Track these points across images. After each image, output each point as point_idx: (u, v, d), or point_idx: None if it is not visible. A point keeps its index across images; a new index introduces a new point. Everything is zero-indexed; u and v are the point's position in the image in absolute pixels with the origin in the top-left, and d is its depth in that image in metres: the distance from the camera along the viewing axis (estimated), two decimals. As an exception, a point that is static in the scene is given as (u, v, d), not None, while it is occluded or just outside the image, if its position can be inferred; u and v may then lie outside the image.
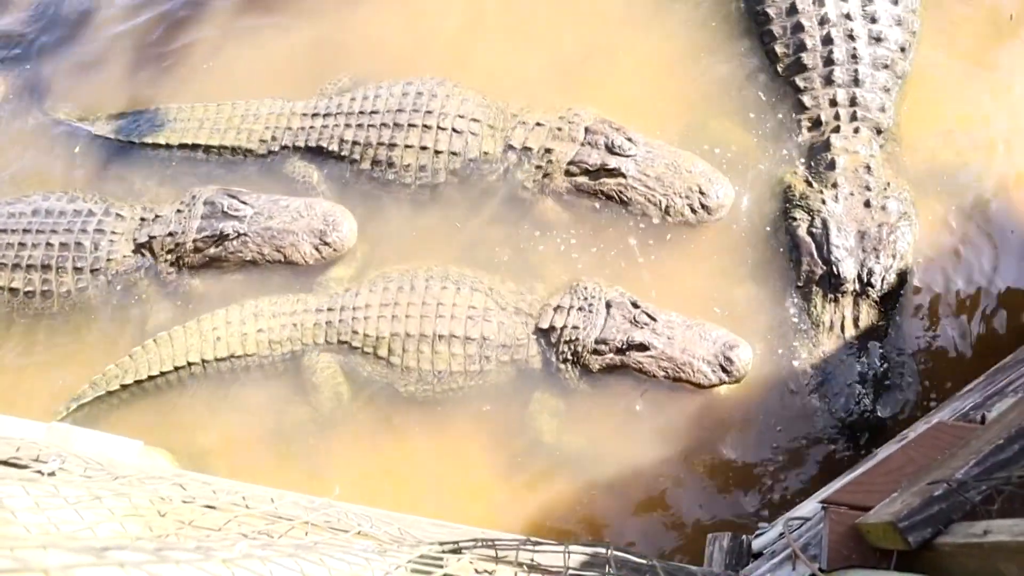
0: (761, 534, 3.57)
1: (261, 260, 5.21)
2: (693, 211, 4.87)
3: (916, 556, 2.29)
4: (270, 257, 5.19)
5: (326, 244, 5.14)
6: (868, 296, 4.50)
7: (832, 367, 4.44)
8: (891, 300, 4.54)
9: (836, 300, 4.53)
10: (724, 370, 4.45)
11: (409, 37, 5.83)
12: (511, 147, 5.16)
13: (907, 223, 4.60)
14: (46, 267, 5.28)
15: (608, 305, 4.64)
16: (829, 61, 4.99)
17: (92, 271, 5.30)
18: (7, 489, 2.57)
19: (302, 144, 5.46)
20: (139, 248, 5.34)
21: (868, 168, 4.71)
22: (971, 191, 4.82)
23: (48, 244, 5.30)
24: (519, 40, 5.67)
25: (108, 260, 5.30)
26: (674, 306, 4.72)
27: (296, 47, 5.97)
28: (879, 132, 4.89)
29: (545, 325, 4.68)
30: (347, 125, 5.34)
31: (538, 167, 5.11)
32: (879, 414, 4.33)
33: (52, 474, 3.03)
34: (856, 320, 4.50)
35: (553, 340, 4.65)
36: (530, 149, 5.14)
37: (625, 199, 4.98)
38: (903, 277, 4.54)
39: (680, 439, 4.52)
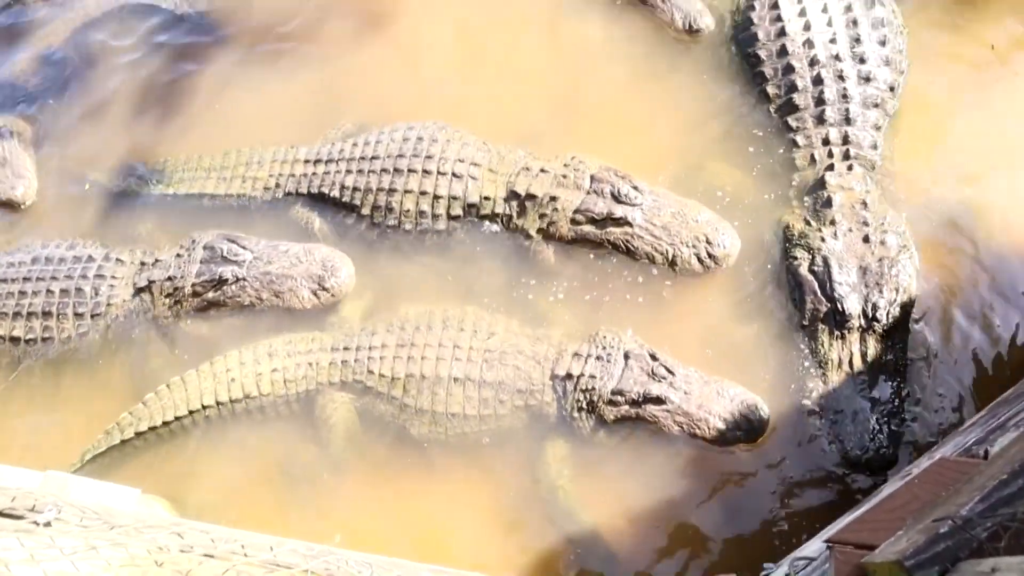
0: (768, 575, 3.52)
1: (259, 305, 5.21)
2: (700, 261, 4.84)
3: (924, 595, 2.26)
4: (268, 302, 5.19)
5: (324, 289, 5.14)
6: (874, 331, 4.49)
7: (844, 404, 4.40)
8: (897, 333, 4.52)
9: (843, 337, 4.52)
10: (740, 428, 4.37)
11: (410, 82, 5.92)
12: (515, 194, 5.12)
13: (907, 256, 4.62)
14: (47, 314, 5.29)
15: (627, 356, 4.58)
16: (820, 101, 5.06)
17: (93, 316, 5.30)
18: (2, 541, 2.54)
19: (304, 191, 5.49)
20: (139, 292, 5.35)
21: (864, 204, 4.75)
22: (966, 223, 4.86)
23: (48, 291, 5.32)
24: (519, 87, 5.75)
25: (109, 305, 5.31)
26: (682, 354, 4.69)
27: (298, 94, 6.05)
28: (872, 168, 4.95)
29: (562, 372, 4.60)
30: (348, 171, 5.36)
31: (542, 215, 5.07)
32: (894, 450, 4.27)
33: (48, 524, 2.99)
34: (864, 355, 4.47)
35: (569, 387, 4.59)
36: (535, 196, 5.08)
37: (631, 248, 4.93)
38: (907, 310, 4.53)
39: (686, 483, 4.46)
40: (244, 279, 5.17)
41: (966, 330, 4.63)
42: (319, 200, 5.47)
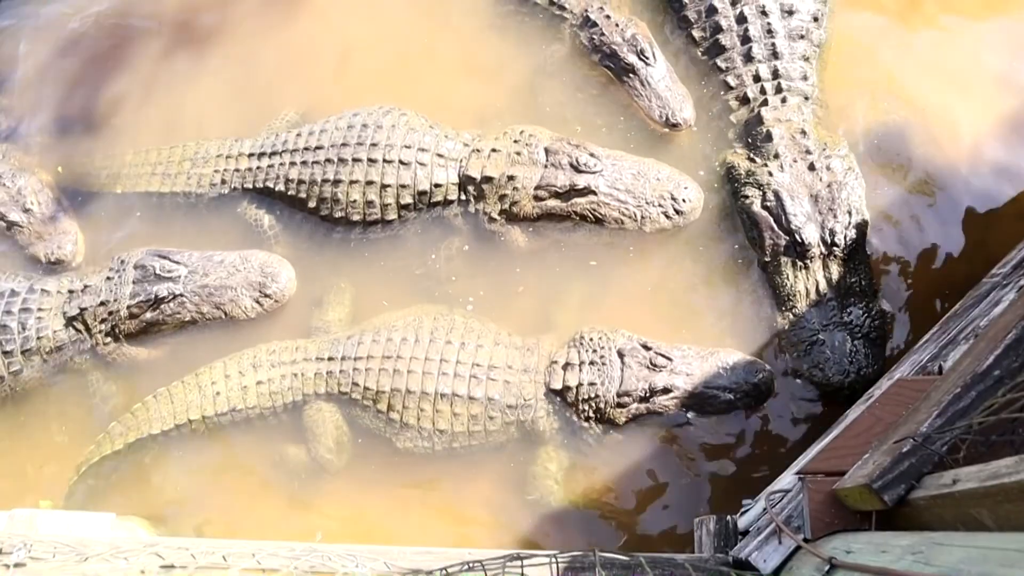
0: (746, 511, 3.60)
1: (201, 319, 5.06)
2: (668, 217, 4.79)
3: (895, 513, 2.33)
4: (210, 315, 5.05)
5: (267, 296, 5.03)
6: (835, 256, 4.55)
7: (819, 333, 4.45)
8: (857, 255, 4.59)
9: (806, 267, 4.56)
10: (750, 396, 4.37)
11: (344, 64, 5.74)
12: (470, 178, 4.96)
13: (853, 177, 4.67)
14: None
15: (620, 354, 4.48)
16: (746, 39, 5.07)
17: (23, 352, 5.08)
18: (-29, 588, 2.47)
19: (250, 185, 5.31)
20: (70, 322, 5.13)
21: (804, 132, 4.78)
22: (902, 147, 4.95)
23: None
24: (461, 69, 5.60)
25: (39, 339, 5.08)
26: (663, 315, 4.70)
27: (230, 85, 5.81)
28: (806, 99, 4.98)
29: (557, 385, 4.47)
30: (292, 163, 5.16)
31: (503, 196, 4.93)
32: (877, 368, 4.34)
33: (20, 564, 2.92)
34: (829, 281, 4.52)
35: (570, 400, 4.47)
36: (491, 178, 4.92)
37: (599, 216, 4.84)
38: (863, 229, 4.60)
39: (666, 443, 4.51)
40: (182, 295, 5.02)
41: (910, 245, 4.75)
42: (266, 195, 5.31)
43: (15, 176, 5.62)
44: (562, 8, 5.52)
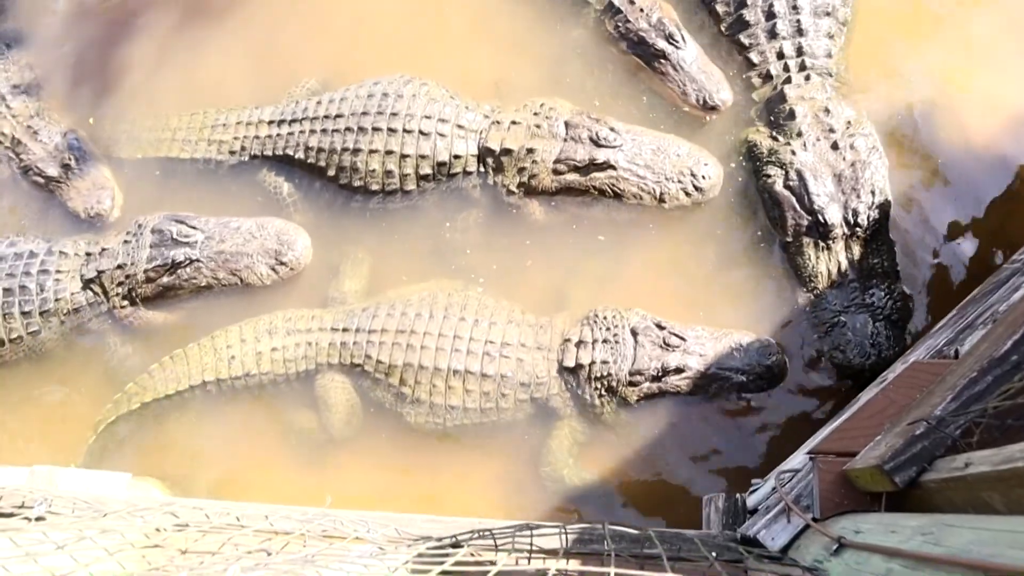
0: (755, 490, 3.61)
1: (217, 285, 5.11)
2: (687, 194, 4.76)
3: (905, 495, 2.33)
4: (226, 281, 5.10)
5: (282, 264, 5.06)
6: (857, 236, 4.50)
7: (841, 314, 4.42)
8: (880, 236, 4.55)
9: (828, 247, 4.52)
10: (763, 378, 4.37)
11: (363, 32, 5.70)
12: (489, 150, 4.94)
13: (877, 156, 4.61)
14: None
15: (634, 332, 4.47)
16: (771, 15, 5.00)
17: (41, 313, 5.15)
18: (-6, 542, 2.53)
19: (270, 153, 5.32)
20: (87, 284, 5.20)
21: (827, 111, 4.72)
22: (926, 129, 4.87)
23: None
24: (481, 42, 5.54)
25: (56, 300, 5.15)
26: (679, 294, 4.68)
27: (249, 52, 5.79)
28: (830, 76, 4.92)
29: (571, 363, 4.48)
30: (312, 131, 5.16)
31: (521, 169, 4.92)
32: (898, 350, 4.31)
33: (41, 519, 2.99)
34: (852, 262, 4.48)
35: (582, 377, 4.48)
36: (511, 151, 4.91)
37: (618, 191, 4.81)
38: (885, 210, 4.55)
39: (682, 423, 4.51)
40: (198, 260, 5.06)
41: (930, 228, 4.69)
42: (285, 163, 5.31)
43: (52, 132, 5.69)
44: None
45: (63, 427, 5.12)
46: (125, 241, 5.21)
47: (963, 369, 2.40)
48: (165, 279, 5.10)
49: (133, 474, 4.45)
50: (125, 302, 5.18)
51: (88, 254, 5.27)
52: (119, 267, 5.15)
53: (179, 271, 5.07)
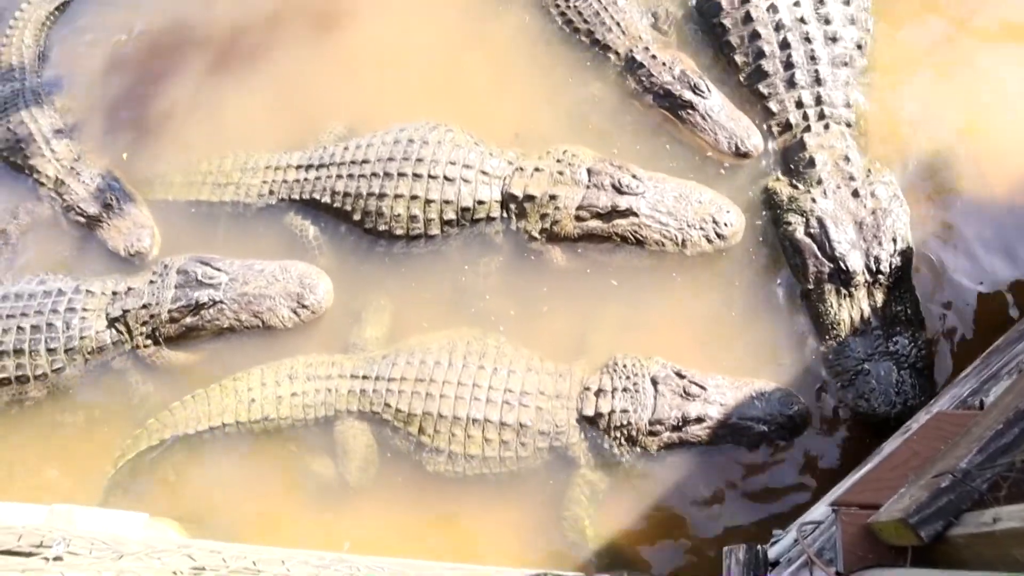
0: (776, 542, 3.55)
1: (239, 327, 5.16)
2: (709, 241, 4.78)
3: (931, 550, 2.29)
4: (248, 323, 5.15)
5: (304, 307, 5.11)
6: (880, 284, 4.49)
7: (864, 363, 4.37)
8: (902, 283, 4.53)
9: (850, 295, 4.50)
10: (784, 428, 4.32)
11: (389, 82, 5.84)
12: (513, 196, 5.00)
13: (898, 204, 4.62)
14: (19, 352, 5.17)
15: (654, 382, 4.45)
16: (789, 65, 5.06)
17: (67, 351, 5.20)
18: (12, 582, 2.53)
19: (297, 197, 5.41)
20: (113, 323, 5.26)
21: (847, 159, 4.75)
22: (947, 175, 4.89)
23: (19, 328, 5.19)
24: (505, 86, 5.67)
25: (82, 338, 5.20)
26: (700, 341, 4.68)
27: (277, 99, 5.94)
28: (848, 125, 4.96)
29: (590, 412, 4.45)
30: (339, 176, 5.24)
31: (544, 215, 4.95)
32: (924, 399, 4.24)
33: (59, 558, 2.99)
34: (875, 310, 4.45)
35: (602, 426, 4.45)
36: (534, 197, 4.96)
37: (640, 238, 4.83)
38: (908, 257, 4.54)
39: (702, 471, 4.47)
40: (221, 302, 5.12)
41: (952, 276, 4.65)
42: (312, 206, 5.40)
43: (92, 173, 5.86)
44: (606, 48, 5.55)
45: (82, 464, 5.13)
46: (151, 281, 5.29)
47: (989, 421, 2.37)
48: (188, 319, 5.16)
49: (150, 514, 4.45)
50: (148, 341, 5.24)
51: (115, 293, 5.34)
52: (144, 307, 5.22)
53: (202, 312, 5.14)
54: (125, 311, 5.24)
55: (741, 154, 5.04)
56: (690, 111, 5.15)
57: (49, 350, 5.20)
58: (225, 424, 4.93)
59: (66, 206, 5.78)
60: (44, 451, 5.26)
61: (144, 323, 5.22)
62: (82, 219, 5.73)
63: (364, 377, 4.79)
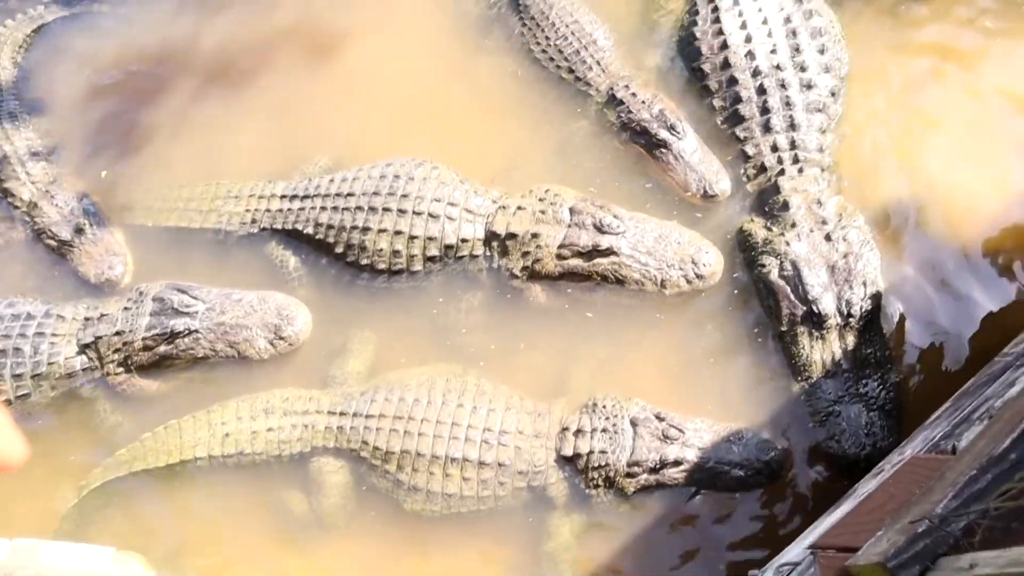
0: (753, 582, 3.56)
1: (215, 357, 5.09)
2: (688, 281, 4.82)
3: (908, 594, 2.32)
4: (223, 353, 5.07)
5: (281, 339, 5.05)
6: (851, 327, 4.57)
7: (835, 404, 4.44)
8: (872, 326, 4.62)
9: (822, 337, 4.57)
10: (761, 474, 4.33)
11: (375, 115, 5.88)
12: (495, 234, 5.03)
13: (869, 249, 4.73)
14: None
15: (633, 423, 4.46)
16: (765, 110, 5.18)
17: (33, 377, 5.07)
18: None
19: (280, 227, 5.38)
20: (84, 349, 5.15)
21: (819, 203, 4.85)
22: (915, 221, 5.01)
23: None
24: (489, 123, 5.73)
25: (50, 364, 5.08)
26: (676, 380, 4.71)
27: (262, 128, 5.94)
28: (822, 170, 5.07)
29: (569, 453, 4.44)
30: (323, 208, 5.23)
31: (526, 253, 4.98)
32: (893, 440, 4.31)
33: (23, 596, 2.91)
34: (846, 352, 4.54)
35: (580, 467, 4.44)
36: (515, 235, 4.98)
37: (620, 277, 4.87)
38: (878, 301, 4.63)
39: (676, 513, 4.48)
40: (197, 331, 5.05)
41: (920, 318, 4.75)
42: (294, 237, 5.37)
43: (68, 197, 5.76)
44: (588, 85, 5.65)
45: (47, 496, 4.99)
46: (125, 308, 5.19)
47: (962, 466, 2.41)
48: (163, 348, 5.08)
49: (117, 548, 4.35)
50: (120, 369, 5.13)
51: (87, 319, 5.23)
52: (117, 334, 5.12)
53: (177, 341, 5.05)
54: (97, 337, 5.13)
55: (709, 197, 5.12)
56: (663, 150, 5.25)
57: (15, 376, 5.07)
58: (197, 458, 4.83)
59: (38, 229, 5.68)
60: (5, 483, 5.11)
61: (116, 350, 5.11)
62: (54, 243, 5.64)
63: (342, 414, 4.73)
